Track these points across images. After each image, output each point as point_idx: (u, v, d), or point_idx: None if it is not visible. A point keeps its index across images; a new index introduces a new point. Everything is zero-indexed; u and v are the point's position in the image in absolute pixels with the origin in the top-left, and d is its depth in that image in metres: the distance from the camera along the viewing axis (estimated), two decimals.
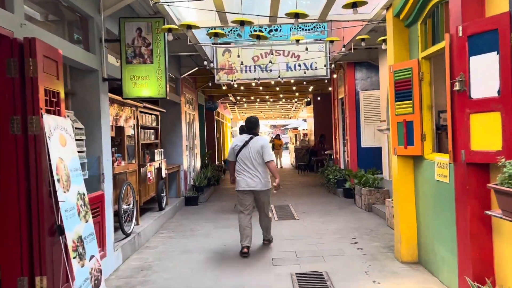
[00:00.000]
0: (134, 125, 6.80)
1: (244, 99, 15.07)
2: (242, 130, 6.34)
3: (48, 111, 3.33)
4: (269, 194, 5.90)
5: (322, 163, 15.74)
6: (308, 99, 17.80)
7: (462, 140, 3.56)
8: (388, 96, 6.28)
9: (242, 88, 13.11)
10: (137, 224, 6.69)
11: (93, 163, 4.88)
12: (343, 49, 7.37)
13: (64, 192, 3.21)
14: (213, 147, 17.32)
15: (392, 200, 6.62)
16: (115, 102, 6.01)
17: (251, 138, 5.78)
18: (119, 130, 6.45)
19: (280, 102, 16.86)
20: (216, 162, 17.84)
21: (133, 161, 6.68)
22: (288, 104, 19.31)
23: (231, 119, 28.98)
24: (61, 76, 3.63)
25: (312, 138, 17.93)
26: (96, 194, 4.74)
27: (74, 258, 3.15)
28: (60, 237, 3.24)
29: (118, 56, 5.70)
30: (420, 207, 4.96)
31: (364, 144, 10.19)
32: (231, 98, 16.47)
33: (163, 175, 8.31)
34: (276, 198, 10.63)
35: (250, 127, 5.92)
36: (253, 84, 11.80)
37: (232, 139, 28.52)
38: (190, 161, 11.34)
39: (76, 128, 4.37)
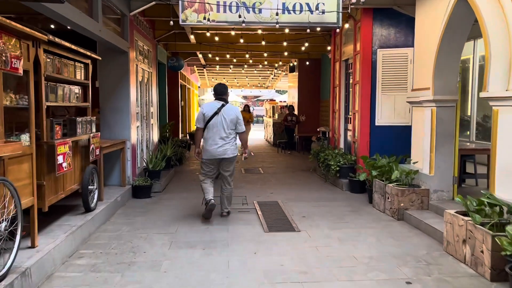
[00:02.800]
0: (29, 72, 3.80)
1: (216, 58, 12.04)
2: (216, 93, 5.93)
3: None
4: (235, 162, 5.82)
5: (309, 142, 13.17)
6: (293, 64, 14.97)
7: None
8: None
9: (216, 39, 10.06)
10: (32, 246, 3.82)
11: None
12: None
13: None
14: (176, 118, 14.32)
15: (455, 213, 4.07)
16: None
17: (222, 106, 5.63)
18: None
19: (260, 66, 13.96)
20: (180, 136, 14.87)
21: (22, 137, 3.72)
22: (268, 70, 16.41)
23: (199, 86, 25.75)
24: None
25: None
26: None
27: None
28: None
29: None
30: None
31: (380, 121, 7.56)
32: (200, 56, 13.38)
33: (92, 157, 5.38)
34: (257, 188, 7.92)
35: (222, 92, 5.80)
36: (233, 33, 8.85)
37: (199, 108, 25.42)
38: (143, 134, 8.39)
39: None
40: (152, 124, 9.20)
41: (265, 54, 11.64)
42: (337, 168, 7.82)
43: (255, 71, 17.12)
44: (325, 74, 14.06)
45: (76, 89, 5.22)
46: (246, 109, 14.40)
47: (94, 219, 5.12)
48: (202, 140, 5.69)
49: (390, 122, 7.54)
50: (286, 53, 11.92)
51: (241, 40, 9.79)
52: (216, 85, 5.96)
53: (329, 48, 10.20)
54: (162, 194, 7.47)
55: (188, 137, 16.90)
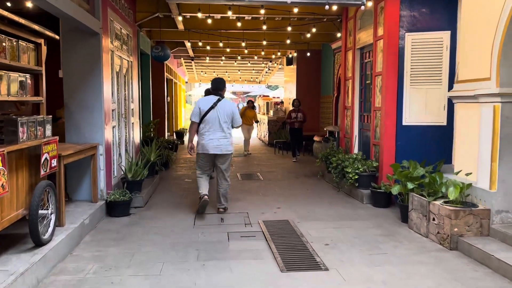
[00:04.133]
0: None
1: (208, 48, 10.60)
2: (208, 93, 6.16)
3: None
4: (231, 158, 5.78)
5: (309, 143, 11.88)
6: (291, 56, 13.63)
7: None
8: None
9: (209, 22, 8.62)
10: None
11: None
12: None
13: None
14: (162, 115, 12.88)
15: None
16: None
17: (218, 100, 5.59)
18: None
19: (255, 58, 12.58)
20: (166, 135, 13.44)
21: None
22: (263, 63, 15.03)
23: (186, 81, 24.25)
24: None
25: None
26: None
27: None
28: None
29: None
30: None
31: (409, 120, 6.27)
32: (188, 45, 11.94)
33: (45, 170, 3.96)
34: (260, 200, 6.58)
35: (218, 87, 5.74)
36: (230, 15, 7.46)
37: (187, 105, 23.94)
38: (121, 136, 6.95)
39: None
40: (133, 123, 7.77)
41: (264, 43, 10.21)
42: (356, 177, 6.51)
43: (249, 64, 15.73)
44: (326, 67, 12.76)
45: (22, 78, 3.79)
46: (250, 106, 12.82)
47: (47, 258, 3.71)
48: (196, 134, 5.69)
49: (420, 121, 6.25)
50: (288, 41, 10.49)
51: (239, 24, 8.37)
52: (213, 80, 5.93)
53: (338, 35, 8.87)
54: (144, 210, 6.07)
55: (175, 136, 15.47)
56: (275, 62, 15.56)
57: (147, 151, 7.65)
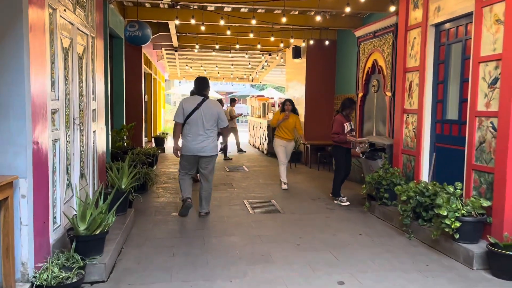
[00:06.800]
0: None
1: (202, 28, 7.95)
2: (193, 94, 5.89)
3: None
4: (215, 160, 5.53)
5: (323, 154, 9.40)
6: (299, 47, 11.11)
7: None
8: None
9: None
10: None
11: None
12: None
13: None
14: (139, 118, 10.19)
15: None
16: None
17: (203, 101, 5.38)
18: None
19: (259, 46, 9.96)
20: (143, 142, 10.72)
21: None
22: (263, 55, 12.44)
23: (166, 79, 21.42)
24: None
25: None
26: None
27: None
28: None
29: None
30: None
31: None
32: (173, 29, 9.27)
33: None
34: (298, 257, 3.95)
35: (202, 87, 5.54)
36: None
37: (167, 105, 21.15)
38: (72, 153, 4.22)
39: None
40: (94, 131, 5.08)
41: (273, 26, 7.55)
42: (457, 224, 4.03)
43: (246, 57, 13.10)
44: (344, 60, 10.33)
45: None
46: (289, 108, 7.38)
47: None
48: (181, 136, 5.43)
49: None
50: (313, 13, 7.81)
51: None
52: (196, 79, 5.72)
53: (392, 9, 6.40)
54: None
55: (154, 143, 12.74)
56: (276, 55, 12.98)
57: (116, 176, 4.97)
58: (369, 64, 8.64)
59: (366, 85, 8.84)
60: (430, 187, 4.69)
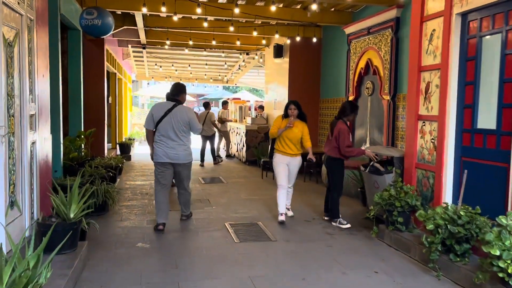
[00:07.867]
0: None
1: (175, 19, 6.83)
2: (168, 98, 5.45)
3: None
4: (191, 167, 5.34)
5: (310, 165, 8.39)
6: (281, 45, 10.11)
7: None
8: None
9: None
10: None
11: None
12: None
13: None
14: (101, 123, 8.92)
15: None
16: None
17: (174, 106, 5.10)
18: None
19: (238, 43, 8.90)
20: (106, 151, 9.44)
21: None
22: (241, 54, 11.36)
23: (133, 80, 20.00)
24: None
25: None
26: None
27: None
28: None
29: None
30: None
31: None
32: (139, 22, 8.06)
33: None
34: None
35: (176, 92, 5.23)
36: None
37: (134, 108, 19.74)
38: None
39: None
40: (33, 142, 3.88)
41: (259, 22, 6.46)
42: (510, 262, 3.10)
43: (223, 56, 11.98)
44: (330, 60, 9.41)
45: None
46: (295, 113, 5.56)
47: None
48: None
49: None
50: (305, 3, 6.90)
51: None
52: (173, 84, 5.42)
53: None
54: None
55: (118, 151, 11.44)
56: (255, 54, 11.93)
57: (62, 202, 3.77)
58: (361, 64, 7.77)
59: (358, 88, 7.96)
60: (462, 213, 3.76)
